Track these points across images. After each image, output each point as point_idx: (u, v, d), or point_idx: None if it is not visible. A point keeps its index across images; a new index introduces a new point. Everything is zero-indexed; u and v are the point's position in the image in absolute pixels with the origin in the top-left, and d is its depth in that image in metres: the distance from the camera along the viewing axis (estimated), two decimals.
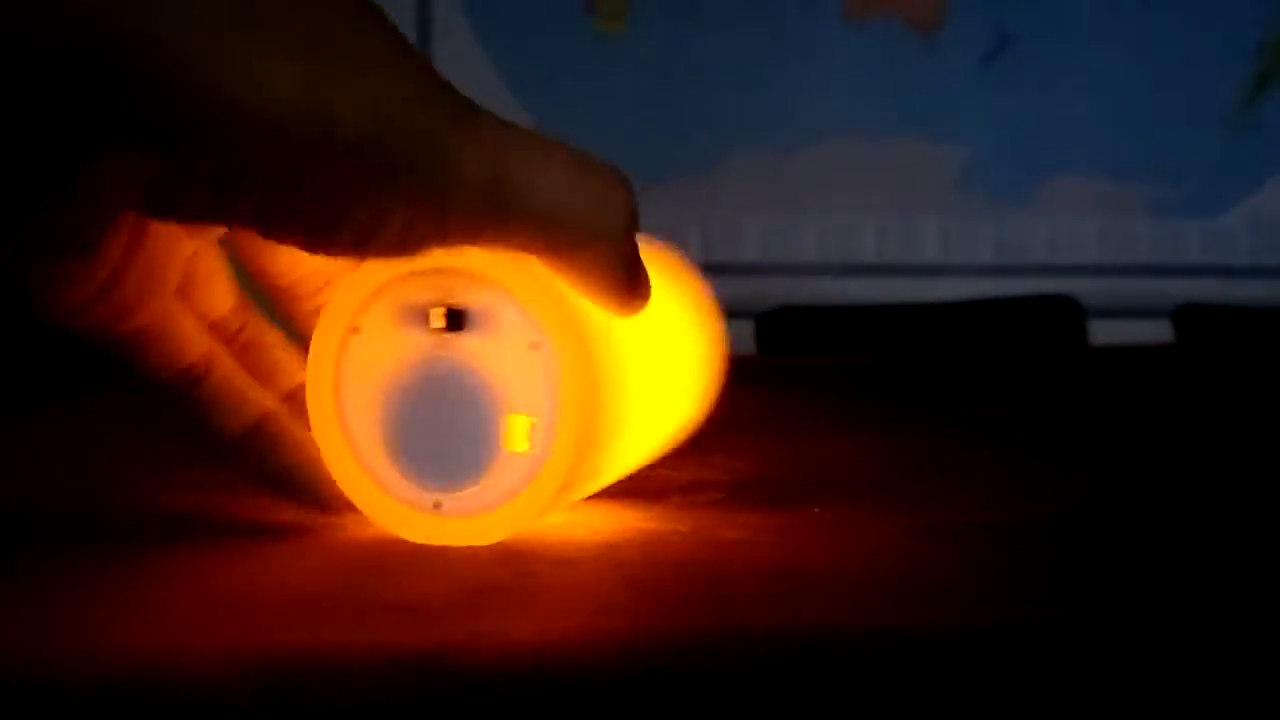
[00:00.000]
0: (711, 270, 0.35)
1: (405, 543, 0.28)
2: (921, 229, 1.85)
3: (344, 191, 0.24)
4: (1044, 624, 0.23)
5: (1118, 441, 0.51)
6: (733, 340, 0.36)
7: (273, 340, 0.31)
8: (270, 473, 0.30)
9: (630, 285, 0.28)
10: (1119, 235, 1.85)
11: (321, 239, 0.25)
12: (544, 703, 0.19)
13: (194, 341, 0.29)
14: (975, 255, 1.84)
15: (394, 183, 0.24)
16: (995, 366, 0.74)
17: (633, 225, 0.27)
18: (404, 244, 0.25)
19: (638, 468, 0.33)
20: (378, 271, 0.28)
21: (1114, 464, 0.45)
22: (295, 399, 0.30)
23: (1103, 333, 1.64)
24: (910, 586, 0.26)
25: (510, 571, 0.26)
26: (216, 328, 0.30)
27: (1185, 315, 1.63)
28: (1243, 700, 0.20)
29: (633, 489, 0.34)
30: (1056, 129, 1.84)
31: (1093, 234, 1.85)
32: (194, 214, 0.24)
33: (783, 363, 0.62)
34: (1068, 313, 1.62)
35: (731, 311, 0.37)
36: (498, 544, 0.28)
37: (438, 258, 0.27)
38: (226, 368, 0.30)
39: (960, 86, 1.84)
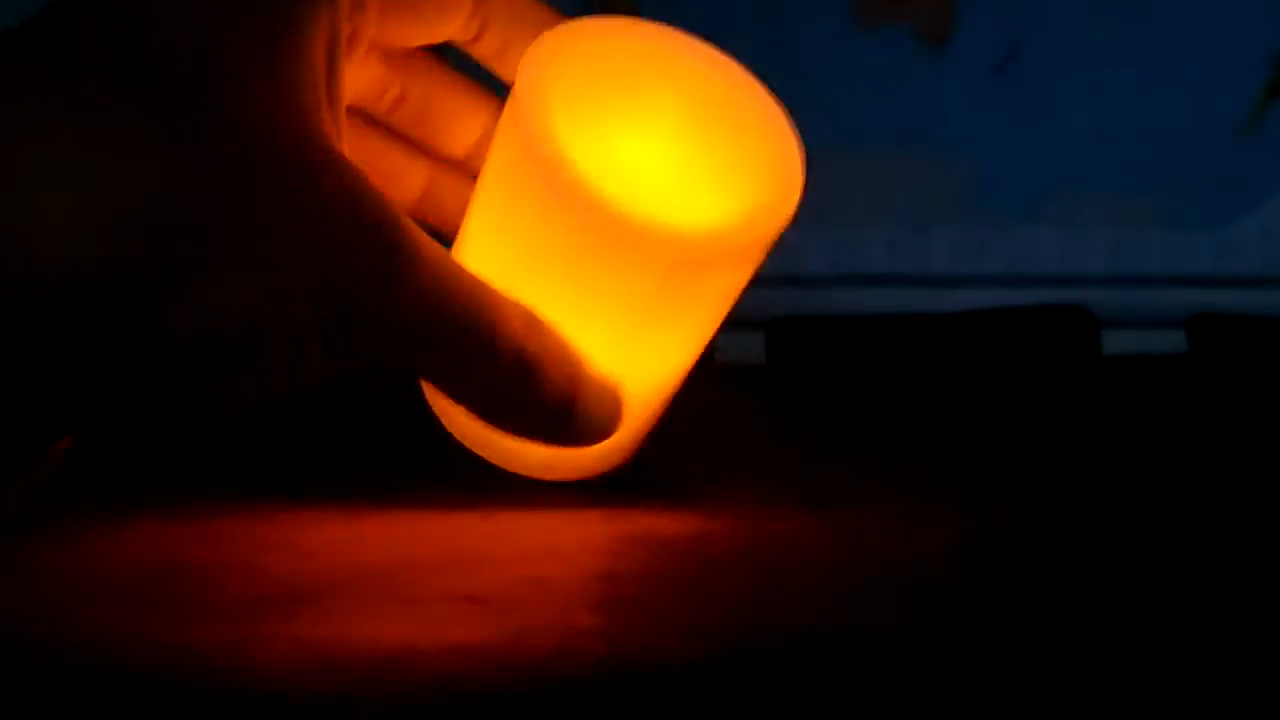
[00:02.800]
0: None
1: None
2: (932, 240, 1.84)
3: None
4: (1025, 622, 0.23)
5: (1127, 451, 0.51)
6: (742, 351, 0.36)
7: (450, 88, 0.30)
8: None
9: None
10: (1131, 245, 1.85)
11: None
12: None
13: None
14: (986, 266, 1.84)
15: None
16: (1007, 376, 0.73)
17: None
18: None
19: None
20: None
21: (1122, 473, 0.45)
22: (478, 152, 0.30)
23: (1116, 343, 1.63)
24: (886, 586, 0.26)
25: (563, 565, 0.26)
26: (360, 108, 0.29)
27: (1198, 325, 1.62)
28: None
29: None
30: (1067, 140, 1.84)
31: (1104, 244, 1.84)
32: None
33: (786, 374, 0.62)
34: (1081, 323, 1.61)
35: (741, 322, 0.37)
36: (522, 535, 0.27)
37: None
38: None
39: (970, 97, 1.84)
